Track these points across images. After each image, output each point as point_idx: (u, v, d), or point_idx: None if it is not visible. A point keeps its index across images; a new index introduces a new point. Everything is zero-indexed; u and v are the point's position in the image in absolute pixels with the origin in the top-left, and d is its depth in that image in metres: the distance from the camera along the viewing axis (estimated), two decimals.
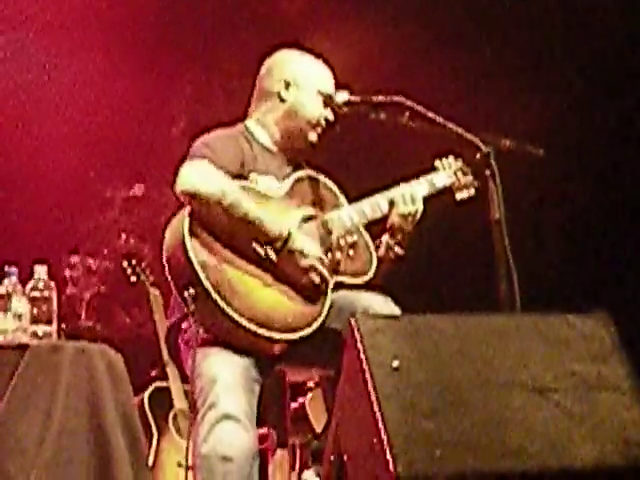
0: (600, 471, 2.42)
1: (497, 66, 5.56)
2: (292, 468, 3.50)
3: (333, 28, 5.90)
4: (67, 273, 6.20)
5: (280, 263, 3.15)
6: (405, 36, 5.77)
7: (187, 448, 3.09)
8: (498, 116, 5.15)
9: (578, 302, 2.83)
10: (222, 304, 3.00)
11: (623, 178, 5.44)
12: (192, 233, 3.06)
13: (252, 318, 3.03)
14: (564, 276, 5.38)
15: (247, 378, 3.05)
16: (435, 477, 2.30)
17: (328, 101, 3.42)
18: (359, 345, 2.45)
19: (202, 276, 3.01)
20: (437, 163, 3.56)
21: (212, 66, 6.24)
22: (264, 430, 3.50)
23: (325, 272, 3.20)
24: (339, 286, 3.28)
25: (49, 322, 3.34)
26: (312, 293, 3.19)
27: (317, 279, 3.18)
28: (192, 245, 3.03)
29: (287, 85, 3.42)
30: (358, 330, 2.47)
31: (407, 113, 3.28)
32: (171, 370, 5.10)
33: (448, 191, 3.58)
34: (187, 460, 3.07)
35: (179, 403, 5.17)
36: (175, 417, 5.22)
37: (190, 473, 3.07)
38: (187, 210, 3.10)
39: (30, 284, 3.35)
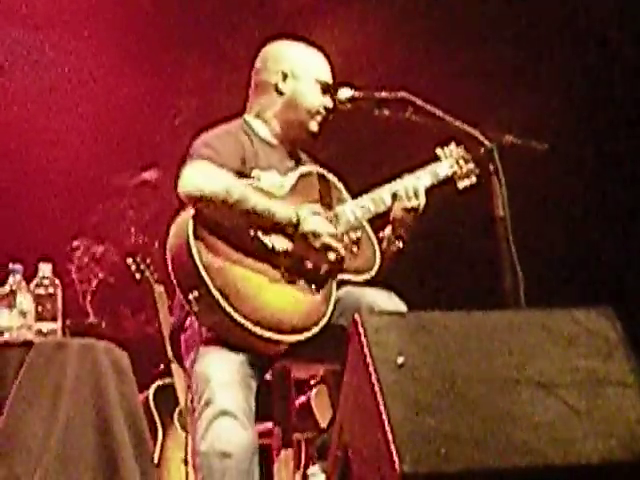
0: (606, 467, 2.42)
1: (500, 62, 5.55)
2: (297, 466, 3.50)
3: (337, 23, 5.90)
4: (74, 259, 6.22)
5: (293, 250, 3.14)
6: (408, 32, 5.77)
7: (186, 446, 3.10)
8: (501, 112, 5.15)
9: (583, 297, 2.83)
10: (227, 307, 2.99)
11: (626, 174, 5.43)
12: (196, 235, 3.03)
13: (257, 321, 3.02)
14: (569, 271, 5.37)
15: (243, 375, 3.04)
16: (440, 474, 2.30)
17: (326, 88, 3.41)
18: (364, 341, 2.45)
19: (206, 278, 2.99)
20: (439, 151, 3.54)
21: (218, 57, 6.23)
22: (269, 426, 3.50)
23: (340, 247, 3.19)
24: (343, 283, 3.27)
25: (54, 319, 3.35)
26: (323, 281, 3.18)
27: (332, 256, 3.18)
28: (197, 247, 3.01)
29: (284, 77, 3.39)
30: (362, 326, 2.47)
31: (411, 109, 3.27)
32: (176, 367, 5.11)
33: (450, 180, 3.56)
34: (186, 457, 3.08)
35: (184, 400, 5.18)
36: (180, 414, 5.23)
37: (191, 470, 3.08)
38: (191, 212, 3.07)
39: (35, 281, 3.36)
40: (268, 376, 3.35)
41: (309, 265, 3.17)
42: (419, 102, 3.25)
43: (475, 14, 5.62)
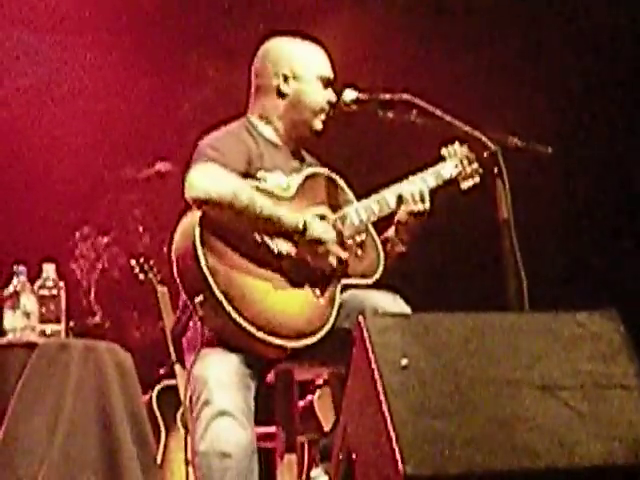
0: (609, 469, 2.42)
1: (503, 64, 5.55)
2: (300, 469, 3.50)
3: (340, 24, 5.89)
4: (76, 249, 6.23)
5: (298, 255, 3.14)
6: (411, 34, 5.77)
7: (185, 446, 3.10)
8: (503, 114, 5.15)
9: (587, 300, 2.83)
10: (231, 311, 2.98)
11: (631, 175, 5.43)
12: (202, 238, 3.02)
13: (261, 326, 3.01)
14: (573, 274, 5.37)
15: (242, 375, 3.04)
16: (443, 476, 2.30)
17: (328, 82, 3.40)
18: (368, 343, 2.45)
19: (212, 282, 2.99)
20: (443, 151, 3.53)
21: (221, 54, 6.22)
22: (272, 429, 3.50)
23: (342, 253, 3.19)
24: (348, 287, 3.27)
25: (57, 321, 3.35)
26: (327, 285, 3.18)
27: (334, 262, 3.17)
28: (202, 251, 3.00)
29: (285, 78, 3.37)
30: (367, 328, 2.47)
31: (414, 111, 3.27)
32: (179, 368, 5.11)
33: (453, 181, 3.55)
34: (186, 457, 3.08)
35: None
36: (183, 415, 5.23)
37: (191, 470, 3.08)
38: (197, 214, 3.06)
39: (38, 283, 3.36)
40: (271, 378, 3.35)
41: (314, 269, 3.17)
42: (423, 104, 3.24)
43: (478, 15, 5.62)
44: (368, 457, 2.46)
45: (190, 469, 4.52)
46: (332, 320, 3.15)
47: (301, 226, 3.12)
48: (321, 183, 3.36)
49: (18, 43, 6.07)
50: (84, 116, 6.17)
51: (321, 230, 3.16)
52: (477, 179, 3.51)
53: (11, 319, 3.29)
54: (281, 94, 3.37)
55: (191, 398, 3.06)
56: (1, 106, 6.00)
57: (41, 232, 6.00)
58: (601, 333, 2.62)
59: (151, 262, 5.50)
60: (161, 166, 6.38)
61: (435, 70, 5.60)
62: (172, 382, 5.28)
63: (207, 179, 3.07)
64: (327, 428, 4.94)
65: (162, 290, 5.40)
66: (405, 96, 3.29)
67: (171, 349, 5.14)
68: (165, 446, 5.23)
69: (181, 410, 5.25)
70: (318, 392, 5.13)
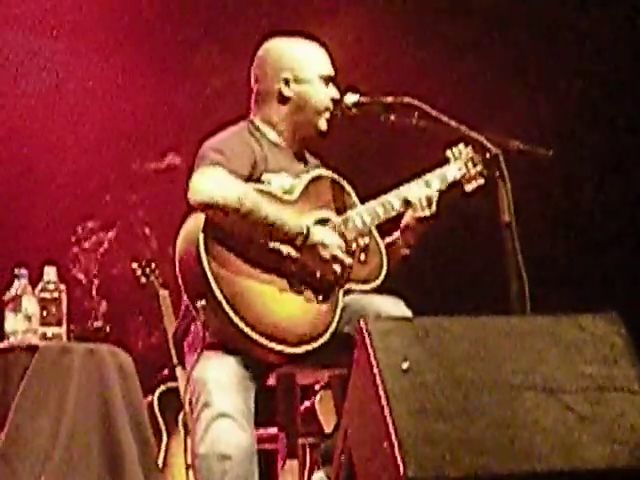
0: (611, 473, 2.42)
1: (504, 67, 5.55)
2: (301, 472, 3.50)
3: (341, 29, 5.90)
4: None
5: (301, 259, 3.13)
6: (412, 37, 5.77)
7: (185, 448, 3.10)
8: (505, 117, 5.15)
9: (589, 303, 2.83)
10: (233, 316, 2.98)
11: (632, 177, 5.43)
12: (206, 243, 3.02)
13: (263, 331, 3.01)
14: (575, 277, 5.36)
15: (241, 377, 3.04)
16: (445, 479, 2.30)
17: (330, 80, 3.39)
18: (369, 347, 2.45)
19: (215, 287, 2.98)
20: (448, 153, 3.51)
21: (225, 52, 6.22)
22: (274, 431, 3.50)
23: (345, 259, 3.18)
24: (350, 291, 3.27)
25: (59, 324, 3.35)
26: (329, 290, 3.18)
27: (339, 268, 3.17)
28: (206, 256, 3.00)
29: (286, 82, 3.34)
30: (368, 332, 2.47)
31: (416, 114, 3.27)
32: (180, 371, 5.11)
33: (457, 183, 3.54)
34: (186, 460, 3.08)
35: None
36: (184, 418, 5.22)
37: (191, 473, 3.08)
38: (201, 216, 3.06)
39: (40, 286, 3.36)
40: (273, 382, 3.35)
41: (316, 275, 3.17)
42: (425, 107, 3.24)
43: (479, 17, 5.62)
44: (369, 460, 2.46)
45: (191, 472, 4.53)
46: (334, 326, 3.15)
47: (304, 232, 3.12)
48: (325, 186, 3.35)
49: (23, 46, 6.08)
50: (87, 120, 6.17)
51: (324, 235, 3.16)
52: (481, 181, 3.50)
53: (12, 322, 3.30)
54: (283, 98, 3.35)
55: (191, 400, 3.06)
56: (2, 109, 6.00)
57: (43, 235, 6.00)
58: (603, 336, 2.62)
59: (153, 265, 5.50)
60: (172, 158, 6.36)
61: (436, 73, 5.60)
62: (173, 385, 5.28)
63: (211, 183, 3.06)
64: (328, 431, 4.95)
65: (163, 293, 5.40)
66: (407, 99, 3.29)
67: (172, 352, 5.15)
68: (166, 449, 5.22)
69: (182, 413, 5.25)
70: (319, 395, 5.13)
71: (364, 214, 3.31)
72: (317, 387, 5.13)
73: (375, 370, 2.41)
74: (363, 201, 3.39)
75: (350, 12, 5.99)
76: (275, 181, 3.25)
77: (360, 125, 3.53)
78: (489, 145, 3.17)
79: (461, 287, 5.57)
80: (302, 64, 3.36)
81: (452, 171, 3.47)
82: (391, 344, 2.46)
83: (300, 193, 3.26)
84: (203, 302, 3.00)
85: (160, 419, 5.28)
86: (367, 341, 2.46)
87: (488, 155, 3.19)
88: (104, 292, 6.28)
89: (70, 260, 6.20)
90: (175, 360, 5.13)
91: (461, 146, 3.49)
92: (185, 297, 3.11)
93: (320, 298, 3.17)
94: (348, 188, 3.41)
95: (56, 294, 3.36)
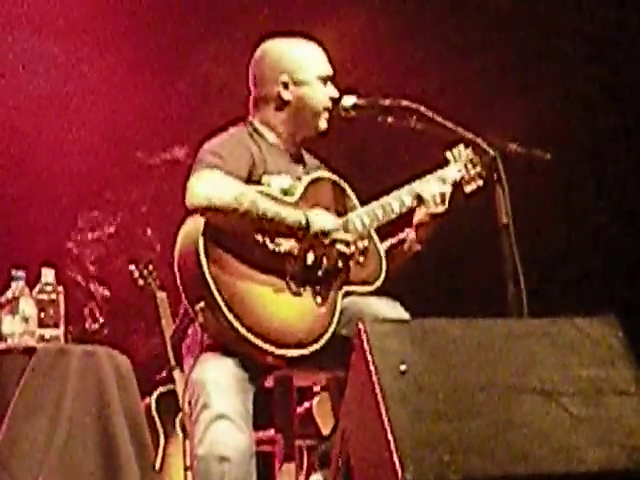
0: (607, 475, 2.42)
1: (502, 69, 5.56)
2: (299, 475, 3.49)
3: (339, 30, 5.90)
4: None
5: (303, 249, 3.13)
6: (411, 39, 5.77)
7: (184, 450, 3.10)
8: (503, 119, 5.15)
9: (586, 305, 2.83)
10: (232, 319, 2.98)
11: (630, 180, 5.43)
12: (206, 247, 3.01)
13: (262, 334, 3.01)
14: (572, 279, 5.37)
15: (240, 378, 3.04)
16: None
17: (328, 79, 3.38)
18: (366, 348, 2.45)
19: (214, 290, 2.98)
20: (448, 154, 3.52)
21: (224, 52, 6.22)
22: (271, 433, 3.50)
23: (349, 237, 3.18)
24: (349, 293, 3.27)
25: (56, 325, 3.35)
26: (328, 292, 3.18)
27: (344, 248, 3.17)
28: (206, 260, 3.00)
29: (285, 85, 3.33)
30: (366, 334, 2.47)
31: (414, 117, 3.27)
32: (178, 374, 5.11)
33: (457, 184, 3.53)
34: (185, 462, 3.08)
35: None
36: (182, 421, 5.22)
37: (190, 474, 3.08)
38: (201, 223, 3.05)
39: (37, 287, 3.36)
40: (270, 384, 3.35)
41: (316, 271, 3.17)
42: (423, 110, 3.24)
43: (478, 21, 5.63)
44: (367, 463, 2.46)
45: (189, 474, 4.53)
46: (332, 329, 3.15)
47: (304, 222, 3.11)
48: (325, 188, 3.35)
49: (25, 47, 6.08)
50: (86, 122, 6.17)
51: (324, 223, 3.15)
52: (480, 182, 3.50)
53: (10, 324, 3.29)
54: (283, 101, 3.34)
55: (190, 402, 3.05)
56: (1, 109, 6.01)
57: (40, 237, 6.00)
58: (600, 338, 2.62)
59: (150, 267, 5.50)
60: (175, 152, 6.36)
61: (434, 74, 5.61)
62: (171, 387, 5.28)
63: (208, 186, 3.05)
64: (326, 434, 4.94)
65: (161, 295, 5.40)
66: (404, 102, 3.29)
67: (170, 354, 5.15)
68: (164, 451, 5.22)
69: (180, 416, 5.25)
70: (317, 397, 5.13)
71: (364, 216, 3.31)
72: (315, 389, 5.13)
73: (373, 372, 2.41)
74: (363, 204, 3.39)
75: (349, 12, 5.99)
76: (274, 183, 3.25)
77: (359, 127, 3.53)
78: (487, 147, 3.17)
79: (458, 289, 5.58)
80: (300, 66, 3.35)
81: (452, 173, 3.47)
82: (389, 346, 2.46)
83: (300, 195, 3.26)
84: (202, 304, 3.00)
85: (158, 421, 5.27)
86: (365, 343, 2.46)
87: (486, 157, 3.19)
88: (101, 293, 6.28)
89: (67, 257, 6.20)
90: (173, 362, 5.14)
91: (461, 147, 3.49)
92: (184, 299, 3.11)
93: (319, 301, 3.17)
94: (348, 190, 3.41)
95: (54, 296, 3.36)
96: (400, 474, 2.26)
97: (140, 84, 6.15)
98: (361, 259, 3.30)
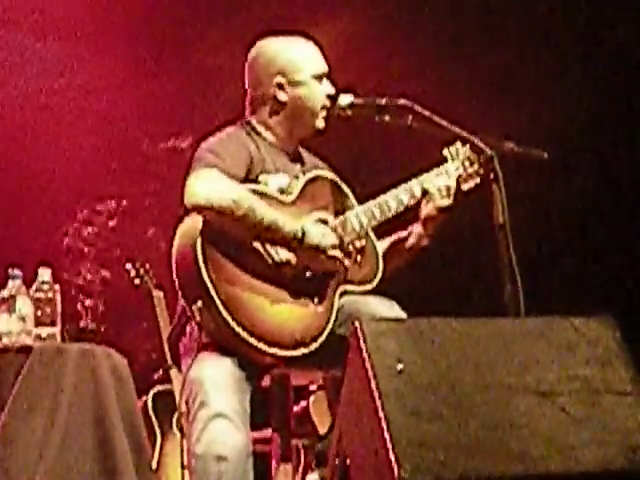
0: (604, 475, 2.42)
1: (500, 69, 5.56)
2: (296, 474, 3.50)
3: (335, 28, 5.90)
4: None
5: (298, 262, 3.13)
6: (408, 38, 5.77)
7: (181, 449, 3.10)
8: (500, 119, 5.15)
9: (583, 305, 2.83)
10: (229, 319, 2.98)
11: (627, 181, 5.44)
12: (204, 247, 3.01)
13: (259, 335, 3.01)
14: (569, 279, 5.37)
15: (238, 377, 3.04)
16: None
17: (323, 76, 3.37)
18: (363, 348, 2.45)
19: (212, 291, 2.98)
20: (445, 152, 3.50)
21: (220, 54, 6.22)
22: (268, 433, 3.50)
23: (342, 258, 3.19)
24: (346, 293, 3.27)
25: (53, 324, 3.35)
26: (325, 293, 3.18)
27: (334, 266, 3.17)
28: (203, 260, 2.99)
29: (280, 87, 3.32)
30: (362, 333, 2.47)
31: (411, 116, 3.26)
32: (174, 373, 5.11)
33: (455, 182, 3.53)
34: (182, 461, 3.08)
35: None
36: (179, 420, 5.22)
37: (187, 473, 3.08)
38: (199, 222, 3.05)
39: (34, 286, 3.36)
40: (267, 383, 3.35)
41: (313, 276, 3.17)
42: (419, 109, 3.24)
43: (476, 20, 5.63)
44: (363, 462, 2.46)
45: (186, 473, 4.53)
46: (329, 329, 3.15)
47: (300, 234, 3.11)
48: (323, 187, 3.34)
49: (24, 48, 6.08)
50: (84, 121, 6.17)
51: (320, 236, 3.15)
52: (478, 180, 3.49)
53: (6, 323, 3.30)
54: (279, 102, 3.33)
55: (187, 401, 3.05)
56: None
57: (37, 236, 6.00)
58: (597, 339, 2.62)
59: (147, 266, 5.49)
60: (180, 141, 6.35)
61: (431, 74, 5.60)
62: (167, 386, 5.28)
63: (207, 185, 3.05)
64: (323, 433, 4.94)
65: (158, 294, 5.40)
66: (401, 101, 3.29)
67: (167, 353, 5.15)
68: (160, 450, 5.22)
69: (176, 414, 5.25)
70: (313, 397, 5.13)
71: (361, 215, 3.31)
72: (311, 388, 5.13)
73: (369, 371, 2.41)
74: (360, 202, 3.39)
75: (345, 11, 5.99)
76: (272, 182, 3.25)
77: (356, 126, 3.53)
78: (483, 146, 3.17)
79: (455, 289, 5.58)
80: (294, 66, 3.34)
81: (450, 170, 3.46)
82: (385, 345, 2.46)
83: (298, 194, 3.26)
84: (199, 304, 3.00)
85: (154, 420, 5.27)
86: (361, 342, 2.46)
87: (482, 157, 3.19)
88: (99, 292, 6.28)
89: (65, 250, 6.21)
90: (169, 361, 5.14)
91: (458, 145, 3.48)
92: (181, 299, 3.11)
93: (316, 301, 3.17)
94: (346, 189, 3.40)
95: (50, 294, 3.36)
96: (396, 473, 2.26)
97: (138, 80, 6.15)
98: (358, 258, 3.30)
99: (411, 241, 3.43)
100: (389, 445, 2.30)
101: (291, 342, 3.07)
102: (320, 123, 3.37)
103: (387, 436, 2.31)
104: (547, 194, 5.47)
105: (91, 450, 3.16)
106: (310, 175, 3.33)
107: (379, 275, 3.33)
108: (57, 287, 3.40)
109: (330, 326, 3.16)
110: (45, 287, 3.36)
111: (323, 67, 3.38)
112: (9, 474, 3.01)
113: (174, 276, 3.08)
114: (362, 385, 2.43)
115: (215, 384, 3.00)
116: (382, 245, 3.43)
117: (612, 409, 2.51)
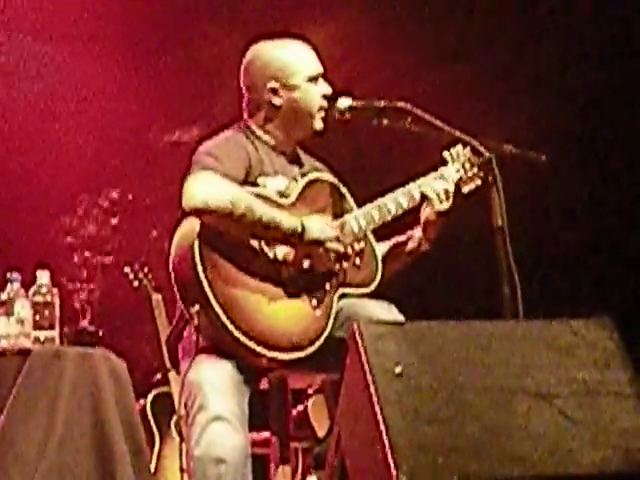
0: (602, 477, 2.42)
1: (499, 72, 5.56)
2: (294, 476, 3.50)
3: (333, 31, 5.90)
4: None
5: (298, 257, 3.13)
6: (407, 41, 5.77)
7: (180, 452, 3.10)
8: (499, 121, 5.16)
9: (581, 308, 2.83)
10: (227, 323, 2.98)
11: (625, 183, 5.44)
12: (201, 250, 3.01)
13: (257, 338, 3.01)
14: (567, 282, 5.37)
15: (236, 380, 3.04)
16: None
17: (318, 77, 3.35)
18: (362, 350, 2.45)
19: (209, 294, 2.98)
20: (446, 154, 3.50)
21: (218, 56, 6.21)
22: (266, 435, 3.50)
23: (341, 248, 3.18)
24: (345, 296, 3.27)
25: (51, 327, 3.35)
26: (323, 295, 3.18)
27: (336, 259, 3.17)
28: (201, 263, 2.99)
29: (274, 92, 3.32)
30: (361, 336, 2.47)
31: (409, 118, 3.27)
32: (173, 375, 5.11)
33: (455, 184, 3.53)
34: (181, 464, 3.08)
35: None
36: (177, 423, 5.22)
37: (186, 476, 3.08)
38: (196, 225, 3.04)
39: (33, 289, 3.36)
40: (265, 385, 3.35)
41: (313, 274, 3.17)
42: (418, 112, 3.24)
43: (475, 23, 5.63)
44: (362, 464, 2.46)
45: (185, 476, 4.53)
46: (327, 332, 3.15)
47: (299, 229, 3.11)
48: (322, 189, 3.34)
49: (25, 50, 6.08)
50: (84, 124, 6.17)
51: (319, 230, 3.15)
52: (479, 182, 3.49)
53: (5, 326, 3.29)
54: (274, 107, 3.34)
55: (186, 404, 3.06)
56: None
57: (35, 238, 5.99)
58: (595, 341, 2.62)
59: (146, 269, 5.49)
60: (184, 134, 6.34)
61: (429, 77, 5.60)
62: (166, 389, 5.28)
63: (204, 188, 3.05)
64: (321, 435, 4.94)
65: (156, 297, 5.40)
66: (400, 104, 3.29)
67: (165, 356, 5.14)
68: (159, 453, 5.22)
69: (175, 417, 5.25)
70: (312, 399, 5.12)
71: (360, 218, 3.31)
72: (310, 391, 5.13)
73: (368, 374, 2.41)
74: (360, 205, 3.39)
75: (342, 13, 5.99)
76: (271, 184, 3.25)
77: (356, 128, 3.53)
78: (482, 149, 3.17)
79: (453, 291, 5.58)
80: (287, 71, 3.33)
81: (450, 173, 3.46)
82: (384, 348, 2.46)
83: (297, 197, 3.26)
84: (197, 307, 3.00)
85: (153, 423, 5.27)
86: (360, 345, 2.46)
87: (481, 159, 3.19)
88: (97, 293, 6.28)
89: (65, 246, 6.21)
90: (168, 364, 5.13)
91: (459, 147, 3.47)
92: (179, 302, 3.11)
93: (314, 304, 3.17)
94: (345, 192, 3.40)
95: (49, 298, 3.36)
96: (395, 476, 2.26)
97: (139, 75, 6.14)
98: (357, 261, 3.30)
99: (411, 245, 3.43)
100: (388, 448, 2.30)
101: (289, 345, 3.07)
102: (318, 124, 3.36)
103: (386, 439, 2.31)
104: (547, 195, 5.47)
105: (89, 453, 3.16)
106: (309, 178, 3.33)
107: (378, 278, 3.33)
108: (55, 290, 3.40)
109: (328, 329, 3.16)
110: (43, 290, 3.36)
111: (317, 68, 3.38)
112: (8, 477, 3.01)
113: (172, 279, 3.08)
114: (360, 388, 2.43)
115: (214, 387, 3.01)
116: (382, 248, 3.43)
117: (610, 411, 2.51)
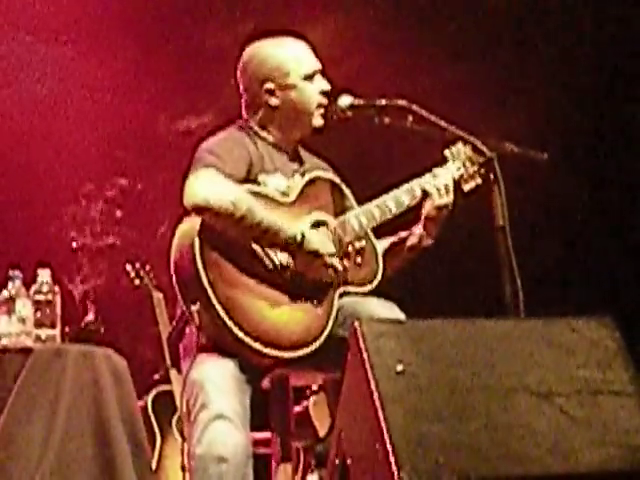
0: (604, 476, 2.42)
1: (500, 71, 5.56)
2: (295, 475, 3.50)
3: (335, 29, 5.90)
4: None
5: (296, 266, 3.13)
6: (408, 39, 5.78)
7: (182, 450, 3.10)
8: (500, 121, 5.16)
9: (582, 307, 2.83)
10: (228, 321, 2.98)
11: (626, 183, 5.44)
12: (202, 249, 3.01)
13: (258, 337, 3.01)
14: (568, 281, 5.37)
15: (238, 379, 3.04)
16: None
17: (316, 74, 3.34)
18: (363, 349, 2.45)
19: (210, 293, 2.98)
20: (446, 152, 3.49)
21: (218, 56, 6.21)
22: (268, 434, 3.50)
23: (339, 266, 3.18)
24: (346, 294, 3.27)
25: (53, 326, 3.35)
26: (324, 294, 3.18)
27: (331, 274, 3.17)
28: (202, 262, 2.99)
29: (271, 92, 3.31)
30: (362, 334, 2.47)
31: (411, 117, 3.26)
32: (174, 374, 5.11)
33: (456, 183, 3.52)
34: (182, 463, 3.08)
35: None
36: (178, 421, 5.23)
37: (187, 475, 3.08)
38: (197, 224, 3.04)
39: (34, 288, 3.36)
40: (267, 384, 3.35)
41: (311, 280, 3.17)
42: (419, 110, 3.24)
43: (476, 22, 5.63)
44: (363, 463, 2.46)
45: (186, 474, 4.53)
46: (327, 331, 3.15)
47: (299, 238, 3.11)
48: (323, 188, 3.34)
49: (27, 50, 6.08)
50: (86, 122, 6.17)
51: (319, 244, 3.15)
52: (479, 180, 3.49)
53: (6, 324, 3.30)
54: (271, 108, 3.33)
55: (188, 402, 3.06)
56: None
57: (37, 237, 5.99)
58: (596, 340, 2.62)
59: (147, 267, 5.49)
60: (192, 122, 6.34)
61: (431, 76, 5.60)
62: (167, 388, 5.28)
63: (206, 186, 3.05)
64: (322, 434, 4.95)
65: (158, 296, 5.40)
66: (401, 102, 3.29)
67: (166, 355, 5.15)
68: (160, 452, 5.22)
69: (176, 416, 5.25)
70: (313, 398, 5.13)
71: (361, 216, 3.31)
72: (311, 390, 5.13)
73: (369, 372, 2.41)
74: (360, 203, 3.39)
75: (343, 12, 5.99)
76: (271, 182, 3.25)
77: (357, 127, 3.53)
78: (483, 148, 3.17)
79: (455, 290, 5.58)
80: (283, 70, 3.32)
81: (451, 171, 3.46)
82: (385, 346, 2.46)
83: (297, 195, 3.26)
84: (197, 306, 3.00)
85: (154, 422, 5.27)
86: (361, 343, 2.46)
87: (482, 158, 3.19)
88: (99, 291, 6.28)
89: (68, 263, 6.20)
90: (169, 363, 5.14)
91: (459, 145, 3.47)
92: (180, 300, 3.11)
93: (315, 302, 3.17)
94: (345, 190, 3.40)
95: (50, 296, 3.36)
96: (396, 474, 2.26)
97: (141, 68, 6.14)
98: (358, 259, 3.30)
99: (412, 241, 3.43)
100: (389, 446, 2.30)
101: (290, 344, 3.07)
102: (317, 121, 3.36)
103: (387, 437, 2.31)
104: (546, 195, 5.47)
105: (91, 451, 3.16)
106: (310, 176, 3.33)
107: (379, 276, 3.33)
108: (57, 289, 3.40)
109: (330, 327, 3.16)
110: (45, 289, 3.36)
111: (314, 66, 3.37)
112: (9, 475, 3.01)
113: (172, 278, 3.08)
114: (362, 386, 2.43)
115: (216, 385, 3.01)
116: (382, 245, 3.43)
117: (612, 410, 2.51)
